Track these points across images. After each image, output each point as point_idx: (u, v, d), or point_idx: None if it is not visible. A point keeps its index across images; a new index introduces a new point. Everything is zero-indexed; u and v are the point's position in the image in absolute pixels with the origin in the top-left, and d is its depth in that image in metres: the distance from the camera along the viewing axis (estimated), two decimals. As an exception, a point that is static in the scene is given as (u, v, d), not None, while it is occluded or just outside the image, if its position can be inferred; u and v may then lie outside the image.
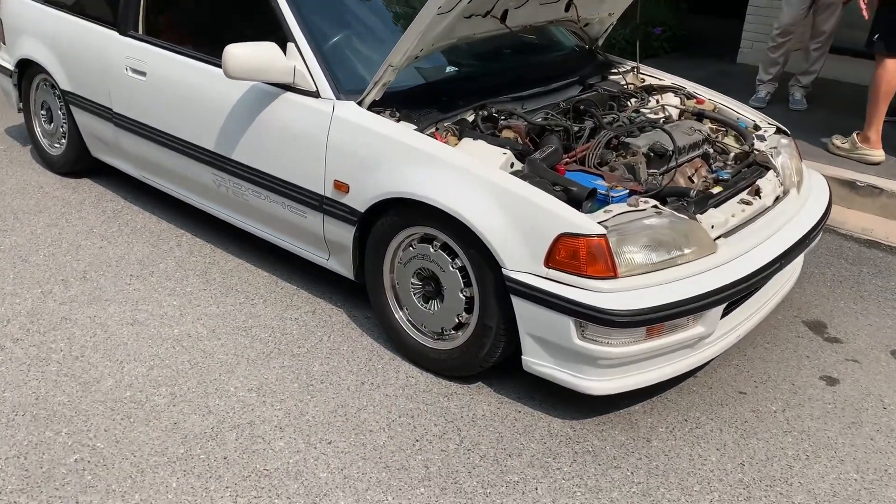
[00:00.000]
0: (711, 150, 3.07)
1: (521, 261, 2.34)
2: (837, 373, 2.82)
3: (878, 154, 4.39)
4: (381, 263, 2.74)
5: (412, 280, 2.68)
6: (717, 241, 2.50)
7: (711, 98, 3.47)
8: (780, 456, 2.39)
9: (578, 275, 2.28)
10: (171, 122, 3.32)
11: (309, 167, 2.84)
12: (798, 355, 2.91)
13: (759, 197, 2.77)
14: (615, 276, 2.27)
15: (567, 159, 2.74)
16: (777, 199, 2.87)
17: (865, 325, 3.13)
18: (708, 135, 3.07)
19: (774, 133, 3.25)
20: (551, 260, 2.31)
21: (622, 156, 2.79)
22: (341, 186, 2.75)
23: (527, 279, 2.33)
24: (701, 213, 2.54)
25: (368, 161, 2.66)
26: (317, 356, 2.79)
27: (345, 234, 2.80)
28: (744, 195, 2.75)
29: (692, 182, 2.89)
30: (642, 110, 3.26)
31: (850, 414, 2.60)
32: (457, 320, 2.59)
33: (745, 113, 3.40)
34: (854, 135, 4.46)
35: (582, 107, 3.06)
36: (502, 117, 2.89)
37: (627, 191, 2.54)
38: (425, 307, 2.68)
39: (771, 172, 2.93)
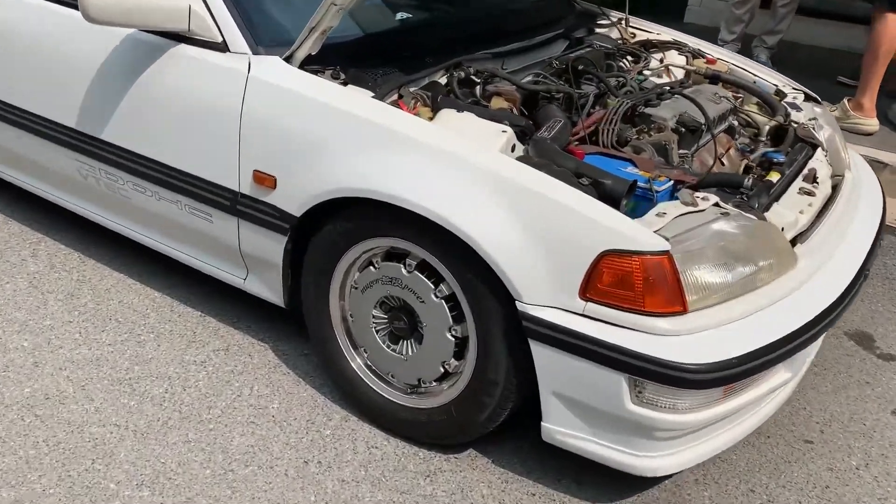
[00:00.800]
0: (736, 124, 2.41)
1: (546, 291, 1.60)
2: (910, 404, 2.24)
3: (873, 123, 3.88)
4: (325, 289, 1.94)
5: (374, 312, 1.90)
6: (799, 247, 1.84)
7: (721, 57, 2.81)
8: (887, 540, 1.78)
9: (632, 311, 1.56)
10: (13, 87, 2.38)
11: (215, 152, 1.99)
12: (857, 382, 2.32)
13: (817, 184, 2.13)
14: (684, 311, 1.57)
15: (571, 137, 2.02)
16: (834, 187, 2.25)
17: (916, 334, 2.57)
18: (734, 104, 2.41)
19: (805, 101, 2.63)
20: (591, 289, 1.58)
21: (644, 132, 2.09)
22: (264, 180, 1.92)
23: (554, 318, 1.59)
24: (765, 212, 1.87)
25: (304, 143, 1.85)
26: (236, 422, 1.97)
27: (271, 246, 1.98)
28: (801, 183, 2.10)
29: (723, 166, 2.22)
30: (645, 72, 2.57)
31: (947, 465, 2.02)
32: (442, 370, 1.83)
33: (761, 75, 2.76)
34: (845, 101, 3.93)
35: (580, 66, 2.33)
36: (483, 80, 2.12)
37: (671, 182, 1.84)
38: (393, 350, 1.90)
39: (819, 151, 2.29)
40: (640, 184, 1.78)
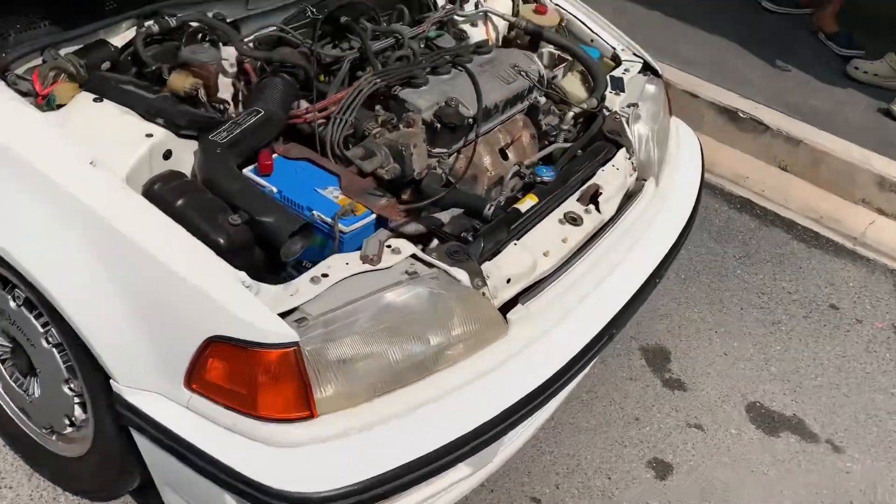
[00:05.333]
0: (543, 101, 2.01)
1: (146, 373, 1.25)
2: (673, 452, 2.00)
3: None
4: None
5: (-2, 339, 1.54)
6: (518, 310, 1.49)
7: (558, 3, 2.32)
8: None
9: (241, 412, 1.23)
10: None
11: None
12: (625, 418, 2.06)
13: (598, 210, 1.74)
14: (311, 416, 1.24)
15: (304, 116, 1.61)
16: (628, 199, 1.89)
17: (720, 353, 2.31)
18: (542, 75, 1.98)
19: (639, 73, 2.19)
20: (197, 380, 1.24)
21: (391, 124, 1.68)
22: None
23: (152, 408, 1.26)
24: (494, 256, 1.51)
25: None
26: None
27: None
28: (573, 207, 1.72)
29: (505, 159, 1.85)
30: (457, 18, 2.12)
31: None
32: (67, 421, 1.50)
33: (602, 34, 2.29)
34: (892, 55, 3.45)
35: (343, 18, 1.86)
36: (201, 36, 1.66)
37: (374, 216, 1.46)
38: (20, 385, 1.56)
39: (621, 154, 1.91)
40: (323, 220, 1.41)
